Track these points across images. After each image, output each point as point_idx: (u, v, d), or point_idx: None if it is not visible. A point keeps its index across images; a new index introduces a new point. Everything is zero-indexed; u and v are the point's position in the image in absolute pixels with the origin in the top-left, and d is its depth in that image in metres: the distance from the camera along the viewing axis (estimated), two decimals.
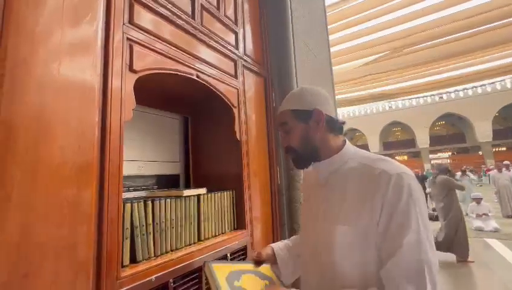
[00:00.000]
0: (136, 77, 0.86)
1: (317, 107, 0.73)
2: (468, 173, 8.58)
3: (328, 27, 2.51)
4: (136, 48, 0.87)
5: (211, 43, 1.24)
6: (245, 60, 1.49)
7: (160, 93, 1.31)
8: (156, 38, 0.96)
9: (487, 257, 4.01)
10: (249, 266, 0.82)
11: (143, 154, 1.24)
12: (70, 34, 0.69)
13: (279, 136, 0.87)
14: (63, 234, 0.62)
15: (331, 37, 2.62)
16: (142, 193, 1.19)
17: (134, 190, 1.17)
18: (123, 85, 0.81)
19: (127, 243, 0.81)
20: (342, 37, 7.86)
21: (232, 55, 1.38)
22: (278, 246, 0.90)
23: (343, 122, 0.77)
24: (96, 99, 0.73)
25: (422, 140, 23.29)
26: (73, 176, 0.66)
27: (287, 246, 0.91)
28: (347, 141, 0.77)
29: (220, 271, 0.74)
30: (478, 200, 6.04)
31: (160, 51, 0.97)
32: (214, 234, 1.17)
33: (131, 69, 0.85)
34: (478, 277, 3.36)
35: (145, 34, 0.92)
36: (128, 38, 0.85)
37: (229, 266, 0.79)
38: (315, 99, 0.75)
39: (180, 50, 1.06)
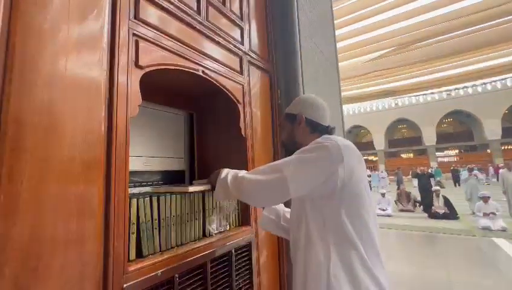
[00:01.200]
0: (141, 72, 0.86)
1: (301, 112, 0.95)
2: (475, 171, 8.37)
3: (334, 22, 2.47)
4: (141, 43, 0.87)
5: (216, 38, 1.23)
6: (250, 56, 1.48)
7: (166, 89, 1.31)
8: (161, 34, 0.96)
9: (494, 257, 3.96)
10: None
11: (149, 150, 1.25)
12: (76, 31, 0.69)
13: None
14: (71, 228, 0.63)
15: (336, 32, 2.58)
16: (148, 189, 1.20)
17: (140, 186, 1.18)
18: (129, 81, 0.81)
19: (133, 238, 0.82)
20: (347, 32, 7.74)
21: (237, 50, 1.37)
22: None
23: (331, 127, 0.98)
24: (103, 95, 0.74)
25: (429, 137, 22.93)
26: (80, 171, 0.66)
27: (282, 214, 1.09)
28: (325, 135, 0.94)
29: None
30: (485, 199, 5.94)
31: (166, 47, 0.96)
32: (218, 230, 1.17)
33: (137, 65, 0.85)
34: (485, 277, 3.32)
35: (151, 29, 0.92)
36: (134, 34, 0.85)
37: None
38: (303, 106, 0.97)
39: (186, 45, 1.06)
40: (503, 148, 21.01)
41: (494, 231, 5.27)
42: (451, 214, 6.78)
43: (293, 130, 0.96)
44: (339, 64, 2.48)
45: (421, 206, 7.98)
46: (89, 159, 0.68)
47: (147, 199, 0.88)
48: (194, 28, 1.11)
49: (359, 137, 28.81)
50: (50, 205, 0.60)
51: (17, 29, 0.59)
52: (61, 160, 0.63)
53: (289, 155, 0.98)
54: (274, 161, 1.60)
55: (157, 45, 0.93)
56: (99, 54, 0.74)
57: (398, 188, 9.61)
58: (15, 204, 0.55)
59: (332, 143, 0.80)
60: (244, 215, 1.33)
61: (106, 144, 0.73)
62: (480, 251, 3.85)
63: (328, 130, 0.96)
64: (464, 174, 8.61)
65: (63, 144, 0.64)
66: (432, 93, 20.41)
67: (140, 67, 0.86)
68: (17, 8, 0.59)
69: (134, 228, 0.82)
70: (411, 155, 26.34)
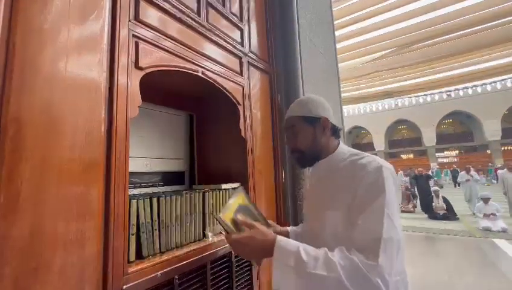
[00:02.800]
0: (141, 73, 0.86)
1: (324, 115, 0.85)
2: (472, 172, 8.29)
3: (334, 22, 2.48)
4: (141, 44, 0.87)
5: (216, 39, 1.23)
6: (250, 57, 1.48)
7: (166, 90, 1.31)
8: (161, 35, 0.96)
9: (495, 258, 3.96)
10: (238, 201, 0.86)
11: (149, 152, 1.25)
12: (77, 32, 0.70)
13: (285, 138, 0.94)
14: (71, 229, 0.63)
15: (336, 33, 2.59)
16: (148, 190, 1.20)
17: (140, 187, 1.18)
18: (129, 82, 0.81)
19: (133, 239, 0.81)
20: (347, 33, 7.75)
21: (237, 52, 1.37)
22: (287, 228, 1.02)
23: (340, 128, 0.91)
24: (103, 96, 0.74)
25: (429, 138, 22.94)
26: (80, 172, 0.66)
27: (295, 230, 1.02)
28: (341, 142, 0.89)
29: (228, 218, 0.78)
30: (486, 200, 5.94)
31: (166, 48, 0.97)
32: (219, 231, 1.17)
33: (137, 66, 0.85)
34: (486, 278, 3.31)
35: (151, 30, 0.92)
36: (134, 35, 0.85)
37: (230, 208, 0.81)
38: (321, 108, 0.87)
39: (186, 47, 1.06)
40: (503, 148, 21.01)
41: (494, 232, 5.26)
42: (451, 214, 6.77)
43: (316, 135, 0.84)
44: (339, 64, 2.49)
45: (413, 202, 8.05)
46: (89, 159, 0.68)
47: (147, 199, 0.88)
48: (194, 29, 1.11)
49: (359, 138, 28.81)
50: (50, 205, 0.60)
51: (17, 29, 0.59)
52: (61, 160, 0.63)
53: (303, 164, 0.88)
54: (274, 162, 1.60)
55: (157, 46, 0.93)
56: (99, 54, 0.74)
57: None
58: (14, 204, 0.55)
59: (387, 168, 0.72)
60: None
61: (106, 145, 0.73)
62: (480, 251, 3.85)
63: (340, 133, 0.91)
64: (461, 175, 8.53)
65: (63, 145, 0.64)
66: (432, 94, 20.44)
67: (140, 68, 0.86)
68: (17, 7, 0.59)
69: (134, 229, 0.82)
70: (411, 156, 26.35)
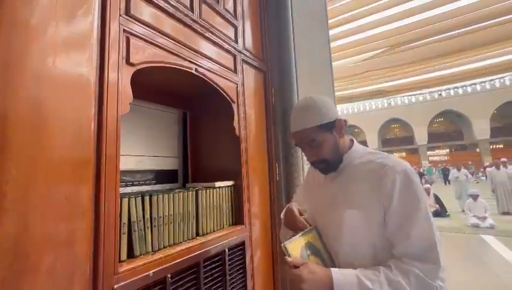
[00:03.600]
0: (133, 70, 0.85)
1: (336, 116, 0.79)
2: (463, 170, 8.49)
3: (328, 21, 2.48)
4: (132, 40, 0.86)
5: (209, 36, 1.22)
6: (245, 55, 1.47)
7: (159, 87, 1.29)
8: (153, 31, 0.94)
9: (483, 253, 4.06)
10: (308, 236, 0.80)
11: (141, 149, 1.23)
12: (65, 26, 0.68)
13: (302, 150, 0.85)
14: (60, 229, 0.62)
15: (330, 33, 2.59)
16: (140, 188, 1.18)
17: (132, 185, 1.17)
18: (120, 78, 0.79)
19: (125, 238, 0.80)
20: (340, 32, 7.80)
21: (231, 49, 1.36)
22: None
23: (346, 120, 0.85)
24: (93, 92, 0.72)
25: (421, 137, 23.36)
26: (69, 170, 0.65)
27: None
28: (354, 140, 0.86)
29: (294, 251, 0.74)
30: (475, 197, 6.08)
31: (158, 44, 0.95)
32: (212, 229, 1.16)
33: (128, 62, 0.83)
34: (474, 273, 3.40)
35: (142, 26, 0.90)
36: (124, 31, 0.84)
37: (299, 241, 0.77)
38: (331, 108, 0.80)
39: (178, 43, 1.04)
40: (491, 147, 21.55)
41: (482, 228, 5.40)
42: (442, 211, 6.92)
43: (336, 139, 0.79)
44: (333, 63, 2.50)
45: None
46: (78, 158, 0.67)
47: (139, 198, 0.87)
48: (186, 25, 1.10)
49: (353, 136, 29.08)
50: (38, 205, 0.59)
51: (2, 22, 0.57)
52: (50, 159, 0.62)
53: (329, 171, 0.82)
54: (268, 160, 1.60)
55: (148, 42, 0.92)
56: (89, 50, 0.73)
57: None
58: (0, 204, 0.53)
59: (412, 171, 0.73)
60: (237, 215, 1.33)
61: (96, 143, 0.71)
62: (469, 247, 3.95)
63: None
64: (452, 173, 8.75)
65: (52, 143, 0.62)
66: (424, 93, 20.80)
67: (132, 65, 0.84)
68: (2, 1, 0.57)
69: (125, 228, 0.81)
70: (403, 154, 26.77)
